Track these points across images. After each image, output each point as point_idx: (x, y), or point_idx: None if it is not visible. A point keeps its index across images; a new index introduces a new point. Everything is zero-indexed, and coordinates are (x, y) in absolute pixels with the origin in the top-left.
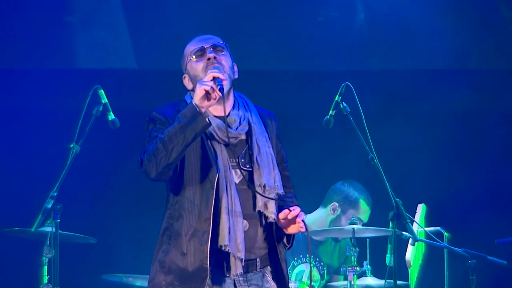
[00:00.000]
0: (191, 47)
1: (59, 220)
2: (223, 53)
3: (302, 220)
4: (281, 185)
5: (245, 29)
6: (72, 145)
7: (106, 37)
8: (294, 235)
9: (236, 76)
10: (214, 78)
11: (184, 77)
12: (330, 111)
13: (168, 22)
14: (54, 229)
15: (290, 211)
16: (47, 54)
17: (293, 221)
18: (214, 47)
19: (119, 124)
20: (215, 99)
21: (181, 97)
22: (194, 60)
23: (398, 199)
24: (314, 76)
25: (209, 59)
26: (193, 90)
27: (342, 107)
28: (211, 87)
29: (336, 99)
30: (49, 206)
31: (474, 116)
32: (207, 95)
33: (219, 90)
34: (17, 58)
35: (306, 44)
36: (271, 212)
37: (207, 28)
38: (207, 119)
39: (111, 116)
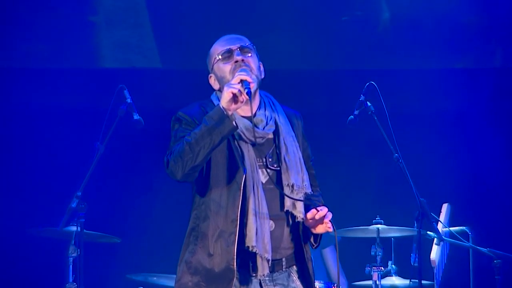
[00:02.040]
0: (218, 47)
1: (83, 220)
2: (250, 55)
3: (330, 220)
4: (309, 184)
5: (269, 28)
6: (97, 145)
7: (130, 36)
8: (321, 234)
9: (263, 76)
10: (241, 81)
11: (210, 76)
12: (355, 111)
13: (192, 22)
14: (79, 229)
15: (318, 211)
16: (72, 54)
17: (320, 221)
18: (242, 49)
19: (143, 124)
20: (242, 102)
21: (206, 96)
22: (222, 61)
23: (422, 199)
24: (338, 75)
25: (236, 61)
26: (219, 90)
27: (366, 106)
28: (239, 90)
29: (360, 98)
30: (74, 205)
31: (500, 115)
32: (235, 98)
33: (247, 93)
34: (42, 57)
35: (330, 43)
36: (299, 211)
37: (231, 27)
38: (234, 122)
39: (136, 115)
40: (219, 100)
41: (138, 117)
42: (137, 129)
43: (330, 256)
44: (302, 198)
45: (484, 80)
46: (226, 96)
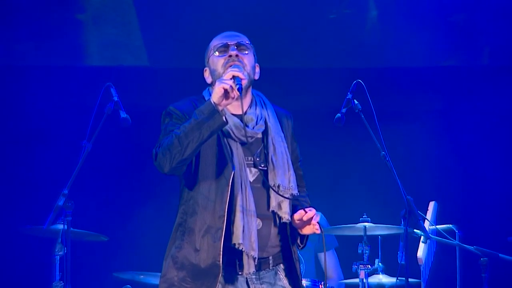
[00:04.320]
0: (216, 41)
1: (70, 218)
2: (246, 52)
3: (318, 222)
4: (296, 185)
5: (257, 27)
6: (83, 143)
7: (118, 34)
8: (308, 235)
9: (256, 77)
10: (233, 77)
11: (205, 70)
12: (342, 109)
13: (180, 20)
14: (65, 227)
15: (306, 212)
16: (59, 52)
17: (308, 222)
18: (238, 45)
19: (130, 122)
20: (233, 98)
21: (194, 94)
22: (216, 54)
23: (409, 197)
24: (325, 73)
25: (230, 56)
26: (211, 84)
27: (353, 104)
28: (230, 86)
29: (347, 96)
30: (61, 203)
31: (487, 114)
32: (226, 94)
33: (238, 90)
34: (29, 55)
35: (317, 41)
36: (285, 212)
37: (219, 26)
38: (224, 118)
39: (123, 114)
40: (211, 96)
41: (125, 115)
42: (124, 127)
43: (329, 260)
44: (290, 197)
45: (472, 78)
46: (217, 91)
